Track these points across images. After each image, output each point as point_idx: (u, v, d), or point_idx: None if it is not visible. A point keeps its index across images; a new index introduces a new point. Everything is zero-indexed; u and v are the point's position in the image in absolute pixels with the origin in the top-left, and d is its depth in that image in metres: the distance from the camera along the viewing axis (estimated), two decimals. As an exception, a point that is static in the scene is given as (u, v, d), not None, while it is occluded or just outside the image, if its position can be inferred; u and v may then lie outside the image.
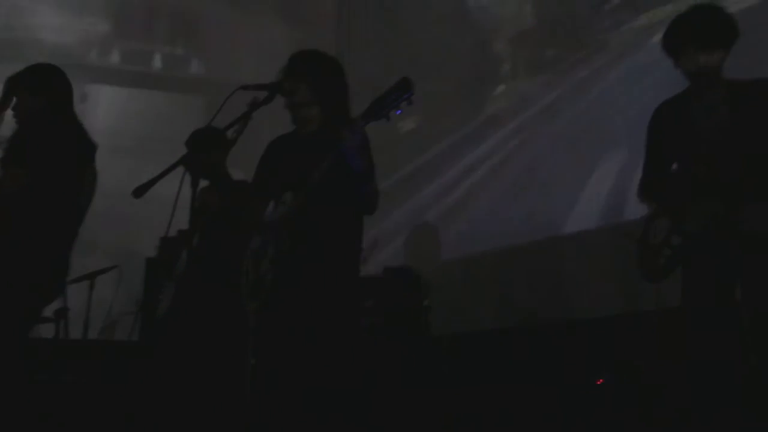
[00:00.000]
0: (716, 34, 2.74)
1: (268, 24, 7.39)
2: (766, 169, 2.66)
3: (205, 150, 3.81)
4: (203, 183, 3.58)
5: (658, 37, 2.93)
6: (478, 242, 5.50)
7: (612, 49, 4.95)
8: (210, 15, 7.35)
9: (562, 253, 4.96)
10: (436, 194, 5.98)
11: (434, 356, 4.75)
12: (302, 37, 6.85)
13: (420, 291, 4.75)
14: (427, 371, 4.57)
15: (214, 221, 3.73)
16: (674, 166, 2.97)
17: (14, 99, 3.31)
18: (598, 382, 4.06)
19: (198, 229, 3.79)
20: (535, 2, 5.66)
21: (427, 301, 4.78)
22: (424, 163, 6.08)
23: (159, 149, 5.83)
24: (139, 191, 2.80)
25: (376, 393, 4.19)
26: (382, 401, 4.21)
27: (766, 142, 2.66)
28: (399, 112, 2.57)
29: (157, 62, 7.28)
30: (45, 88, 3.31)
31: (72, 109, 3.39)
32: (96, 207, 3.44)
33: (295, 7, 7.63)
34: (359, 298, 3.06)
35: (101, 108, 6.70)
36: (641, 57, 4.66)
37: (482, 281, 5.42)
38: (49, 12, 6.83)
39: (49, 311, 4.13)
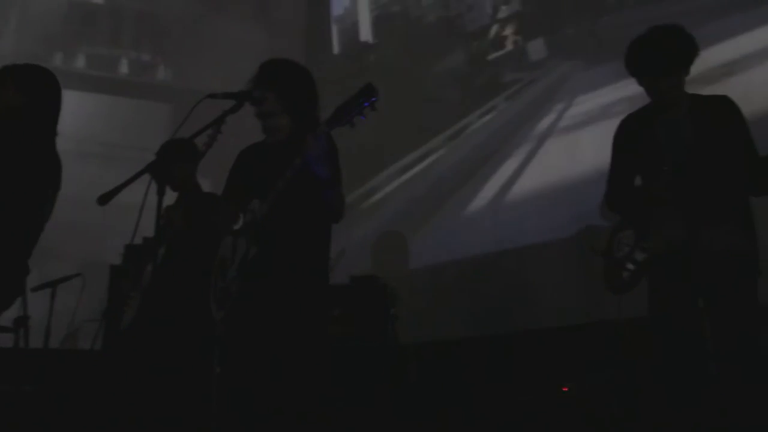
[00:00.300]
0: (676, 59, 2.79)
1: (237, 31, 7.37)
2: (727, 185, 2.72)
3: (176, 162, 3.79)
4: (169, 192, 3.55)
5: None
6: (444, 251, 5.53)
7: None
8: (178, 21, 7.30)
9: (528, 263, 5.00)
10: (404, 204, 6.00)
11: (401, 365, 4.75)
12: (272, 45, 6.84)
13: (386, 300, 4.76)
14: (393, 380, 4.57)
15: (180, 234, 3.70)
16: (638, 179, 3.02)
17: None
18: (564, 390, 4.10)
19: (164, 241, 3.77)
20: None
21: (393, 310, 4.79)
22: (391, 173, 6.10)
23: (125, 156, 5.78)
24: (104, 198, 2.75)
25: (342, 402, 4.18)
26: (349, 410, 4.20)
27: (727, 159, 2.72)
28: (363, 117, 2.57)
29: (123, 68, 7.21)
30: (30, 89, 3.13)
31: (52, 124, 3.20)
32: (60, 214, 3.38)
33: (266, 15, 7.62)
34: (326, 307, 3.04)
35: (66, 113, 6.57)
36: (604, 68, 4.75)
37: (449, 290, 5.45)
38: (13, 14, 6.74)
39: (8, 320, 4.05)
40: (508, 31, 5.72)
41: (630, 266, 2.87)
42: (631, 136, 2.98)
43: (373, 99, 2.52)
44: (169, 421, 3.54)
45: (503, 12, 5.82)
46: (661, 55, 2.79)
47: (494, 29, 5.82)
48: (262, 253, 2.78)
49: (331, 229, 2.99)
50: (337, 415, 4.04)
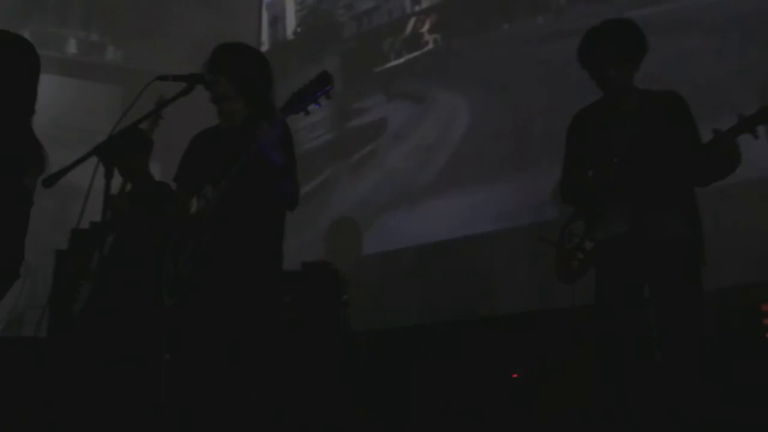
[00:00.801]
0: (628, 50, 2.85)
1: (190, 13, 7.22)
2: (673, 177, 2.78)
3: (131, 152, 3.73)
4: (117, 174, 3.48)
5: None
6: (398, 239, 5.54)
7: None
8: (129, 1, 7.13)
9: (481, 251, 5.05)
10: (357, 191, 5.98)
11: (353, 351, 4.76)
12: (226, 27, 6.72)
13: (338, 286, 4.75)
14: (345, 367, 4.57)
15: (128, 222, 3.64)
16: (590, 171, 3.06)
17: None
18: (514, 376, 4.16)
19: (111, 228, 3.70)
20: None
21: (345, 297, 4.78)
22: (344, 163, 6.08)
23: (72, 138, 5.63)
24: (50, 181, 2.67)
25: (294, 388, 4.17)
26: (301, 396, 4.19)
27: (674, 152, 2.78)
28: (318, 105, 2.56)
29: (71, 47, 7.02)
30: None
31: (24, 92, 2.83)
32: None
33: (220, -3, 7.48)
34: (278, 294, 3.03)
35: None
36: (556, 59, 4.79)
37: (401, 277, 5.46)
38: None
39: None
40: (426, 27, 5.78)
41: (579, 255, 2.93)
42: (583, 129, 3.03)
43: (328, 87, 2.52)
44: (119, 409, 3.49)
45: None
46: (613, 45, 2.83)
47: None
48: (214, 240, 2.75)
49: (284, 216, 2.97)
50: (289, 402, 4.03)
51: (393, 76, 6.06)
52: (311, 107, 2.57)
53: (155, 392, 2.93)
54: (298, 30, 6.99)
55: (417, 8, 5.94)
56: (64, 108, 6.49)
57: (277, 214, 2.94)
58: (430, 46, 5.82)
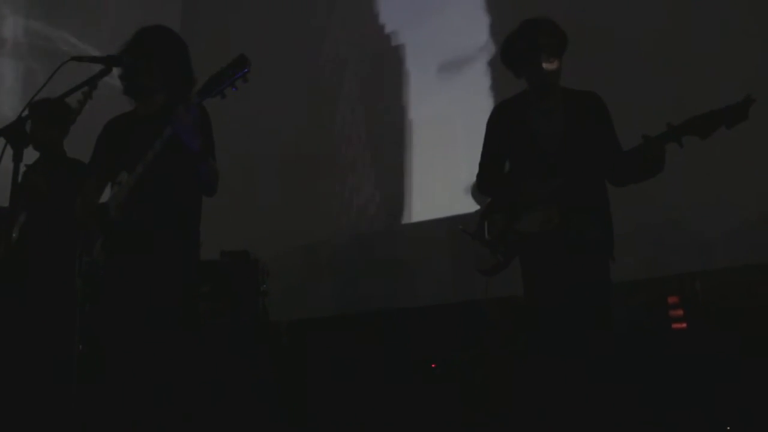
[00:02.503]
0: (557, 45, 2.91)
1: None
2: (593, 174, 2.86)
3: (42, 123, 3.57)
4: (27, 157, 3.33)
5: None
6: (318, 228, 5.52)
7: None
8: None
9: (401, 242, 5.08)
10: (279, 179, 5.93)
11: (272, 342, 4.72)
12: (146, 10, 6.49)
13: (258, 275, 4.70)
14: (263, 357, 4.53)
15: (42, 201, 3.50)
16: (508, 164, 3.11)
17: None
18: (432, 366, 4.21)
19: (22, 208, 3.55)
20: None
21: (265, 286, 4.74)
22: (265, 149, 6.00)
23: (-24, 117, 5.35)
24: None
25: (210, 379, 4.11)
26: (217, 387, 4.14)
27: (594, 150, 2.86)
28: (235, 89, 2.53)
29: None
30: None
31: None
32: None
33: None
34: (195, 283, 2.97)
35: None
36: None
37: (321, 268, 5.45)
38: None
39: None
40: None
41: (501, 248, 2.97)
42: (504, 122, 3.07)
43: (245, 71, 2.50)
44: (29, 397, 3.37)
45: None
46: (546, 40, 2.89)
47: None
48: (129, 226, 2.69)
49: (201, 202, 2.91)
50: (206, 393, 3.97)
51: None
52: (228, 90, 2.53)
53: (69, 387, 2.83)
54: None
55: None
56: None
57: (194, 199, 2.89)
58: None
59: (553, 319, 2.80)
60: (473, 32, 4.96)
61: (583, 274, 2.82)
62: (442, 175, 4.96)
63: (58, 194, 3.45)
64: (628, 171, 2.82)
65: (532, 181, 2.91)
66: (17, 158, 2.84)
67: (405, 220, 5.11)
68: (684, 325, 3.59)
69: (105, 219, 2.74)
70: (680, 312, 3.63)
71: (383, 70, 5.53)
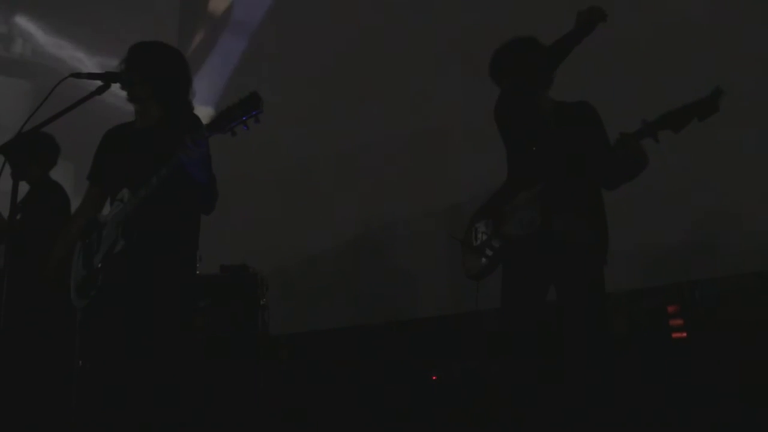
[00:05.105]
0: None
1: (105, 9, 6.99)
2: (583, 179, 2.87)
3: (25, 162, 3.62)
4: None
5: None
6: (318, 242, 5.52)
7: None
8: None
9: (401, 255, 5.08)
10: (277, 193, 5.93)
11: (271, 356, 4.72)
12: (143, 24, 6.53)
13: (257, 289, 4.70)
14: (263, 370, 4.53)
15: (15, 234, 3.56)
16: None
17: None
18: (433, 378, 4.20)
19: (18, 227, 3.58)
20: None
21: (264, 300, 4.74)
22: (264, 162, 6.01)
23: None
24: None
25: (209, 394, 4.11)
26: (217, 401, 4.13)
27: (580, 152, 2.87)
28: (246, 128, 2.49)
29: (-23, 39, 6.70)
30: None
31: None
32: None
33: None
34: (192, 299, 2.97)
35: None
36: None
37: (322, 281, 5.44)
38: None
39: None
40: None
41: (488, 252, 2.98)
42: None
43: (256, 111, 2.44)
44: (30, 417, 3.36)
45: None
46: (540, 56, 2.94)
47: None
48: (129, 245, 2.70)
49: (200, 220, 2.94)
50: (207, 407, 3.97)
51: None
52: (238, 128, 2.52)
53: (67, 399, 2.83)
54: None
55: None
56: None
57: (194, 220, 2.91)
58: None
59: (536, 325, 2.81)
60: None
61: (567, 275, 2.82)
62: (442, 185, 4.95)
63: (33, 230, 3.54)
64: (611, 170, 2.83)
65: (518, 185, 2.93)
66: (16, 175, 2.86)
67: (404, 232, 5.11)
68: (684, 334, 3.59)
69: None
70: (680, 321, 3.62)
71: (380, 84, 5.53)
